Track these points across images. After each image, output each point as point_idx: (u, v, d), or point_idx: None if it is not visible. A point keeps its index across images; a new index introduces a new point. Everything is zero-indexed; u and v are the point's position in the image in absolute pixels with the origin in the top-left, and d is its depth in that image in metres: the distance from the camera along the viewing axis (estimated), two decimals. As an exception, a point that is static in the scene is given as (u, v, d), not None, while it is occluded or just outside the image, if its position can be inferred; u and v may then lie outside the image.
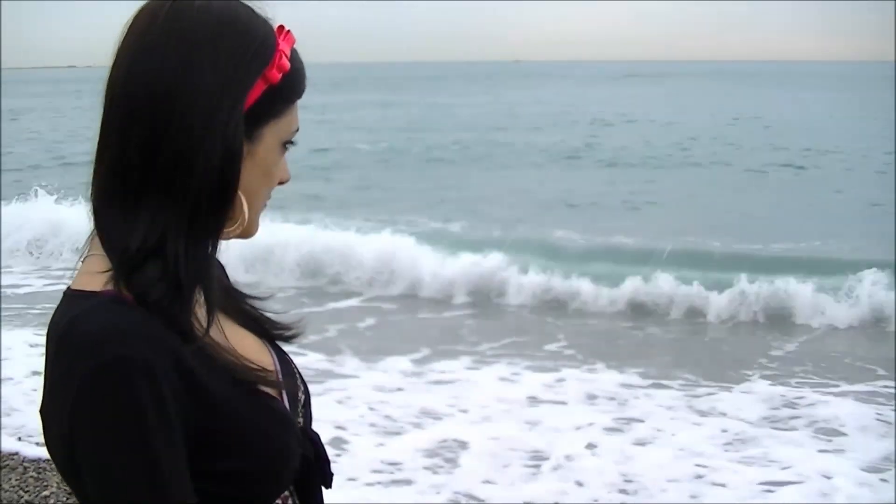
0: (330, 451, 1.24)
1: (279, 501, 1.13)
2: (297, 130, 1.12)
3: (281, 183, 1.14)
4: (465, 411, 6.07)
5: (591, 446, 5.47)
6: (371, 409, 6.08)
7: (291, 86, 1.08)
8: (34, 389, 6.00)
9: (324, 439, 1.23)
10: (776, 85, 67.09)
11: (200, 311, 1.05)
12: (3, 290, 9.28)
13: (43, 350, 1.04)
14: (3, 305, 8.53)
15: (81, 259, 1.07)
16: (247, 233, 1.11)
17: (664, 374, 6.84)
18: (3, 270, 10.13)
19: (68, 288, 1.05)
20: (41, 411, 1.03)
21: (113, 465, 0.94)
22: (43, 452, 4.93)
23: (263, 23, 1.06)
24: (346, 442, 5.47)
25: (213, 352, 1.05)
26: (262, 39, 1.04)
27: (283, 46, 1.06)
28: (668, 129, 26.71)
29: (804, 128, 26.91)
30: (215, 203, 1.02)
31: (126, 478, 0.94)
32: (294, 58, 1.08)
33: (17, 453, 4.92)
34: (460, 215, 12.93)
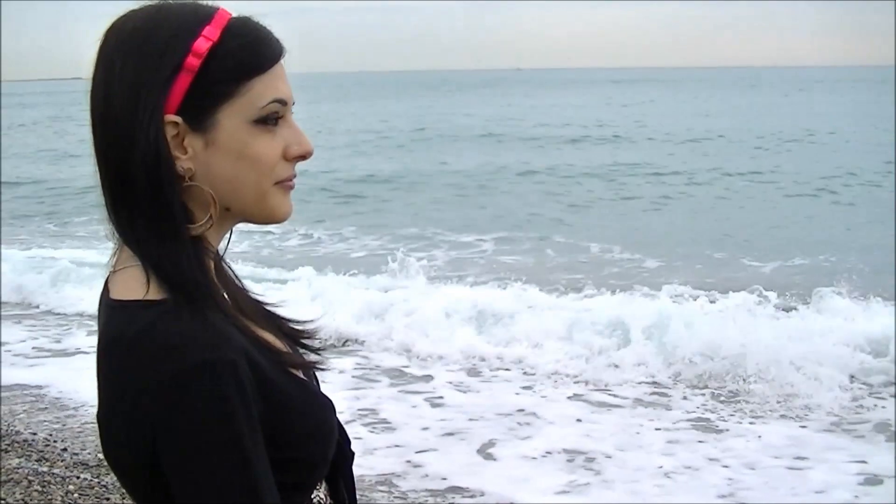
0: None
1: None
2: (281, 101, 1.06)
3: (298, 158, 1.09)
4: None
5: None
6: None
7: (232, 62, 1.02)
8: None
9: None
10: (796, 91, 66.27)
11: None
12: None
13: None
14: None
15: (113, 270, 1.07)
16: (270, 217, 1.10)
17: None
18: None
19: (112, 299, 1.04)
20: (100, 420, 1.03)
21: (206, 469, 0.94)
22: (47, 468, 4.91)
23: (190, 14, 1.03)
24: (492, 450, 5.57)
25: (263, 343, 1.07)
26: (174, 33, 1.01)
27: (209, 29, 1.02)
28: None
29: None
30: (161, 203, 1.01)
31: (220, 480, 0.94)
32: (235, 32, 1.04)
33: (21, 467, 4.91)
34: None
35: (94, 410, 1.06)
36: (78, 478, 4.79)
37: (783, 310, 7.83)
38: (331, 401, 1.14)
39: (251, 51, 1.04)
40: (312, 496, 1.15)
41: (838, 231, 13.33)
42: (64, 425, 5.83)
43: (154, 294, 1.01)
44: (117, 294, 1.04)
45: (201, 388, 0.94)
